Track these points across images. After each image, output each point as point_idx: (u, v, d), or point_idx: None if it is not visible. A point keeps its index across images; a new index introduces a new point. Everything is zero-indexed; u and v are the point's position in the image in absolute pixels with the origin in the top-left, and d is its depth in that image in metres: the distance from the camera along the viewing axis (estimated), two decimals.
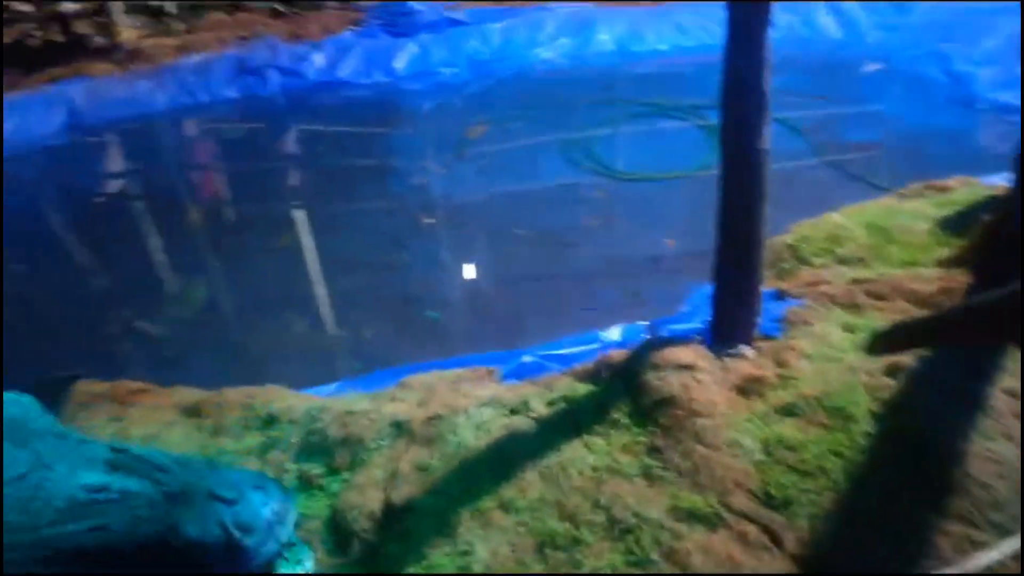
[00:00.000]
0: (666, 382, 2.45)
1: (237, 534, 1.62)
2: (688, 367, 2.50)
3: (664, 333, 2.97)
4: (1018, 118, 5.24)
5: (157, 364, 3.73)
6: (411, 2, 7.96)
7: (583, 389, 2.64)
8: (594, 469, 2.30)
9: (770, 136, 2.52)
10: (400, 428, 2.51)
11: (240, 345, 3.91)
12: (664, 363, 2.53)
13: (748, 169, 2.56)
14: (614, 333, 3.12)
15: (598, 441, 2.40)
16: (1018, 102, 5.42)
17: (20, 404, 1.90)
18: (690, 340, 2.75)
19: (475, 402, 2.56)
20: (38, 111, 6.87)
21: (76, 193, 5.97)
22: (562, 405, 2.57)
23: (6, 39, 8.00)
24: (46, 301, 4.43)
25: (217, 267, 4.74)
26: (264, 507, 1.67)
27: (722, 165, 2.59)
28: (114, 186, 6.13)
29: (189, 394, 2.97)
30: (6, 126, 6.59)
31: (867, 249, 3.30)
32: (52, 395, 2.77)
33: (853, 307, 2.91)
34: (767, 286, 3.18)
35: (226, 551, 1.61)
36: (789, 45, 7.36)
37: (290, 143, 6.58)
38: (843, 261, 3.29)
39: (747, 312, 2.72)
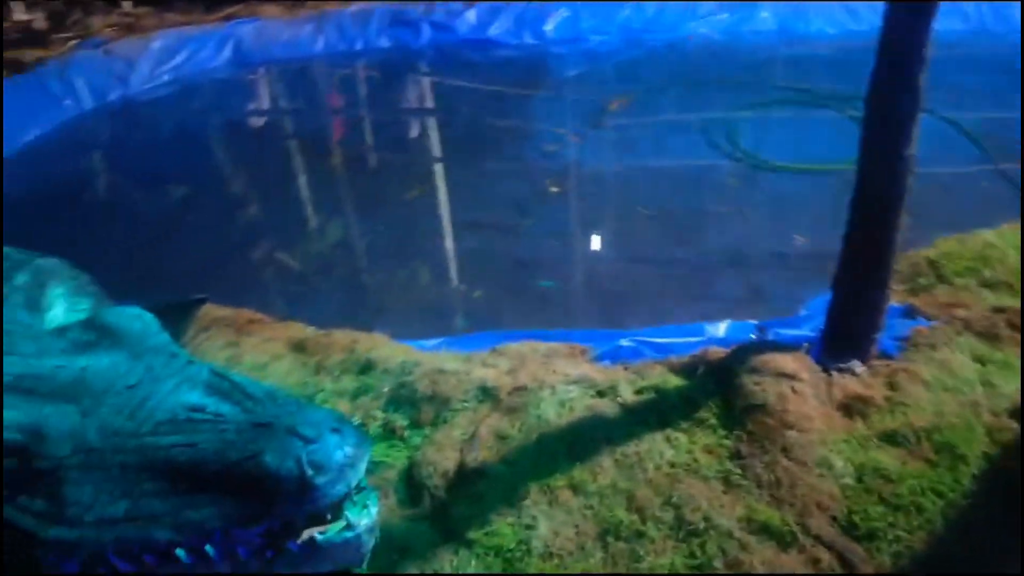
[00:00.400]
0: (762, 388, 2.35)
1: (309, 471, 1.68)
2: (789, 376, 2.38)
3: (772, 336, 2.85)
4: None
5: (279, 297, 3.93)
6: None
7: (675, 382, 2.57)
8: (672, 465, 2.25)
9: (918, 140, 2.33)
10: (486, 393, 2.54)
11: (357, 289, 4.07)
12: (764, 368, 2.42)
13: (889, 174, 2.37)
14: (720, 328, 3.01)
15: (681, 437, 2.34)
16: None
17: (142, 320, 2.05)
18: (798, 348, 2.61)
19: (563, 379, 2.55)
20: (209, 46, 7.31)
21: (230, 124, 6.36)
22: (651, 395, 2.52)
23: None
24: (191, 224, 4.76)
25: (349, 210, 4.93)
26: (339, 450, 1.71)
27: (860, 166, 2.42)
28: (265, 121, 6.48)
29: (300, 330, 3.12)
30: (178, 57, 7.07)
31: (1017, 275, 3.01)
32: (179, 315, 2.98)
33: (989, 337, 2.67)
34: (897, 301, 2.98)
35: (298, 486, 1.68)
36: (977, 40, 6.77)
37: (432, 96, 6.70)
38: (988, 285, 3.02)
39: (866, 327, 2.56)
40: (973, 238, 3.31)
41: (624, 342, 2.86)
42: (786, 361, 2.45)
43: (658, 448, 2.29)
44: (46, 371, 1.81)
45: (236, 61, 7.28)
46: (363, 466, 1.79)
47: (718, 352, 2.63)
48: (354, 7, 7.80)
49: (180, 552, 1.87)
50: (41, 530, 1.70)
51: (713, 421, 2.37)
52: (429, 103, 6.62)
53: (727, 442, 2.30)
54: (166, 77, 6.98)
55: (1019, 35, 6.79)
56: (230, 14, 7.96)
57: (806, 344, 2.69)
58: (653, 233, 4.34)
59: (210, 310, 3.19)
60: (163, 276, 4.05)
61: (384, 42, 7.45)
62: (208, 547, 1.88)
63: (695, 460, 2.25)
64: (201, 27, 7.65)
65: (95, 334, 1.94)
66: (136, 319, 2.03)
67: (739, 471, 2.20)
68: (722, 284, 3.86)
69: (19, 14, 7.51)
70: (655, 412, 2.44)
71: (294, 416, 1.73)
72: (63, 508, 1.69)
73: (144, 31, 7.49)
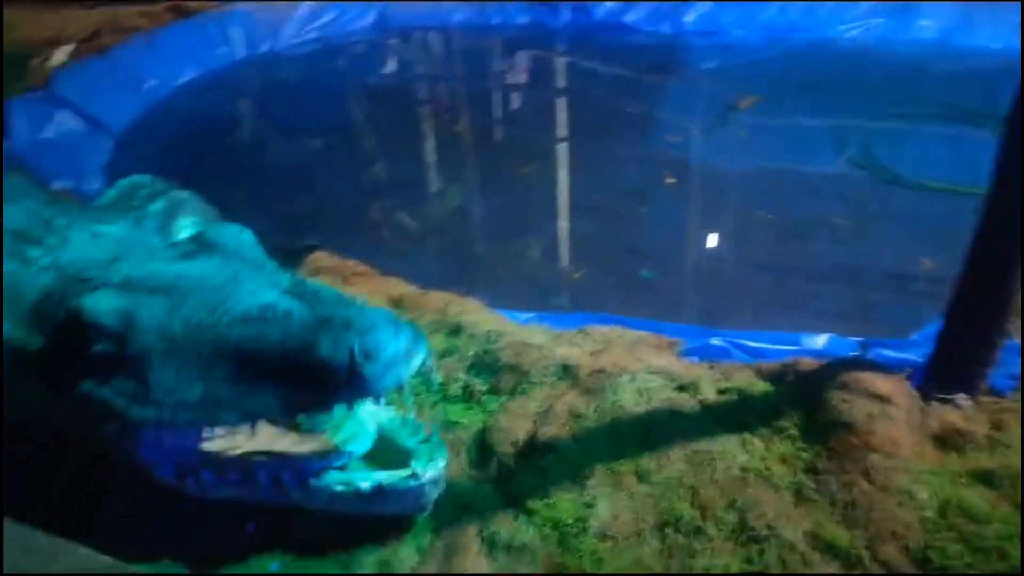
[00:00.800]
0: (850, 406, 2.26)
1: (360, 360, 1.75)
2: (881, 398, 2.28)
3: (873, 356, 2.72)
4: None
5: (389, 253, 4.06)
6: None
7: (761, 387, 2.51)
8: (743, 469, 2.20)
9: None
10: (566, 371, 2.56)
11: (462, 255, 4.17)
12: (855, 385, 2.33)
13: (1020, 202, 2.22)
14: (819, 341, 2.90)
15: (757, 443, 2.29)
16: None
17: (237, 235, 2.22)
18: (899, 371, 2.49)
19: (645, 367, 2.54)
20: (355, 9, 7.59)
21: (362, 84, 6.59)
22: (733, 396, 2.47)
23: None
24: (316, 174, 5.00)
25: (466, 178, 5.03)
26: (390, 343, 1.78)
27: (991, 189, 2.28)
28: (395, 84, 6.68)
29: (401, 286, 3.23)
30: (326, 17, 7.37)
31: None
32: (290, 257, 3.16)
33: None
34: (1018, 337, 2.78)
35: (347, 375, 1.76)
36: None
37: (562, 76, 6.71)
38: None
39: (976, 359, 2.40)
40: None
41: (715, 341, 2.81)
42: (881, 383, 2.34)
43: (731, 450, 2.25)
44: (147, 273, 1.98)
45: (378, 25, 7.53)
46: (415, 364, 1.83)
47: (811, 363, 2.55)
48: None
49: (260, 474, 2.02)
50: (129, 410, 1.87)
51: (794, 432, 2.30)
52: (558, 82, 6.64)
53: (805, 455, 2.23)
54: (312, 35, 7.30)
55: None
56: None
57: (909, 369, 2.56)
58: (768, 237, 4.21)
59: (320, 257, 3.35)
60: (285, 218, 4.28)
61: (522, 19, 7.52)
62: (284, 473, 2.01)
63: (768, 468, 2.20)
64: None
65: (197, 246, 2.11)
66: (233, 235, 2.19)
67: (813, 485, 2.13)
68: (832, 297, 3.71)
69: None
70: (735, 414, 2.39)
71: (352, 313, 1.81)
72: (148, 391, 1.87)
73: None
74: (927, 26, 6.95)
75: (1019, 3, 6.47)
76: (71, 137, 4.86)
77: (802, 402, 2.40)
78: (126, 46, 6.10)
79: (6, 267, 2.22)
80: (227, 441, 2.04)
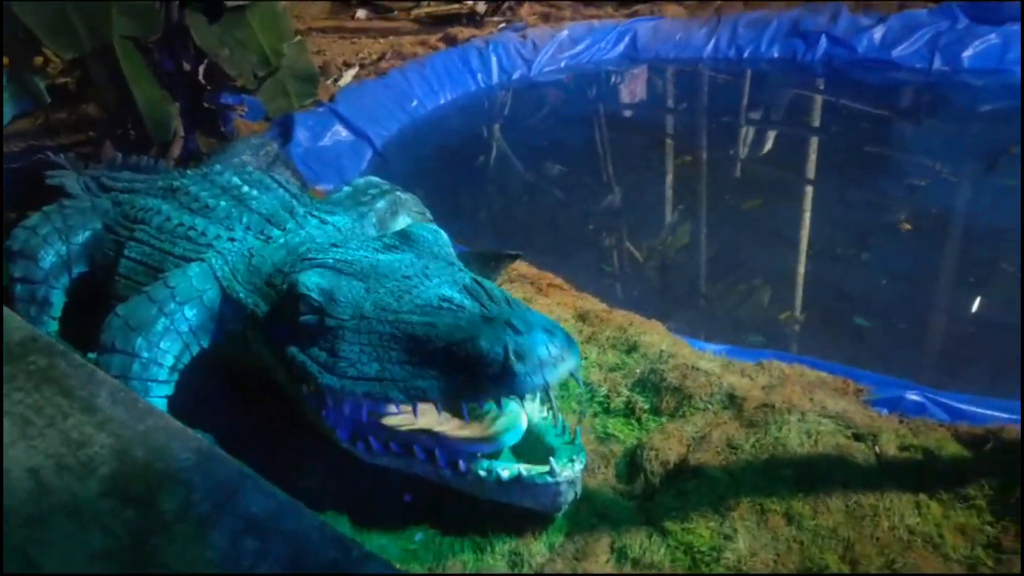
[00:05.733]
0: None
1: (512, 357, 1.87)
2: None
3: None
4: None
5: (591, 272, 4.15)
6: None
7: (953, 449, 2.26)
8: (911, 531, 2.01)
9: None
10: (732, 400, 2.49)
11: (667, 279, 4.16)
12: None
13: None
14: None
15: (934, 507, 2.08)
16: None
17: (434, 234, 2.46)
18: None
19: (819, 409, 2.40)
20: (608, 39, 7.81)
21: (606, 111, 6.79)
22: (916, 454, 2.26)
23: None
24: (542, 193, 5.25)
25: (690, 207, 4.99)
26: (543, 346, 1.89)
27: None
28: (637, 113, 6.80)
29: (591, 303, 3.31)
30: (579, 46, 7.70)
31: None
32: (494, 262, 3.38)
33: None
34: None
35: (500, 370, 1.89)
36: None
37: (811, 113, 6.42)
38: None
39: None
40: None
41: (911, 395, 2.57)
42: None
43: (902, 510, 2.07)
44: (353, 259, 2.27)
45: (628, 55, 7.70)
46: (563, 369, 1.92)
47: (1017, 432, 2.25)
48: (753, 15, 7.74)
49: (417, 449, 2.21)
50: (321, 376, 2.15)
51: (981, 502, 2.06)
52: (803, 119, 6.36)
53: (990, 529, 1.99)
54: (564, 63, 7.65)
55: None
56: (635, 11, 8.46)
57: None
58: (1011, 296, 3.72)
59: (521, 267, 3.54)
60: (501, 228, 4.56)
61: (774, 51, 7.28)
62: (438, 451, 2.19)
63: (941, 536, 1.99)
64: (606, 22, 8.24)
65: (400, 240, 2.39)
66: (430, 233, 2.44)
67: (990, 564, 1.89)
68: None
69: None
70: (914, 472, 2.19)
71: (514, 314, 1.94)
72: (337, 361, 2.13)
73: (559, 21, 8.29)
74: None
75: None
76: (340, 146, 5.55)
77: (999, 472, 2.13)
78: (400, 70, 6.84)
79: (253, 243, 2.66)
80: (397, 418, 2.26)
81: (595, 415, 2.57)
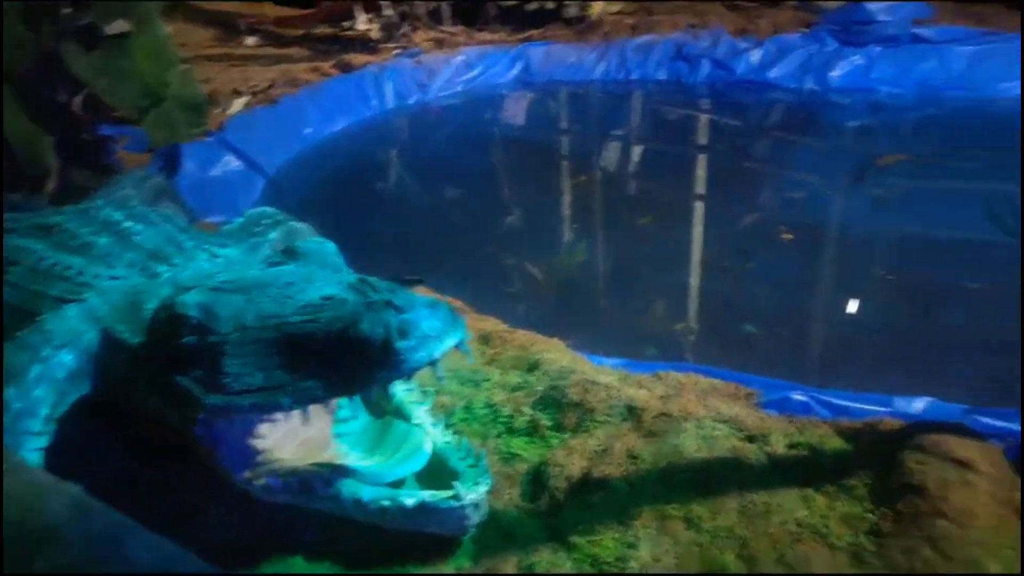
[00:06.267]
0: (925, 469, 2.12)
1: (394, 335, 1.85)
2: (962, 463, 2.11)
3: (972, 424, 2.52)
4: None
5: (491, 293, 4.18)
6: (876, 10, 7.39)
7: (835, 444, 2.39)
8: (799, 524, 2.11)
9: None
10: (631, 412, 2.55)
11: (564, 300, 4.24)
12: (934, 449, 2.17)
13: None
14: (916, 405, 2.72)
15: (820, 500, 2.18)
16: None
17: (323, 245, 2.42)
18: (994, 440, 2.30)
19: (713, 415, 2.49)
20: (502, 64, 7.97)
21: (500, 134, 6.90)
22: (803, 452, 2.37)
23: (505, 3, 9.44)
24: (440, 217, 5.27)
25: (583, 226, 5.12)
26: (425, 321, 1.86)
27: None
28: (530, 135, 6.94)
29: (492, 324, 3.34)
30: (473, 71, 7.81)
31: None
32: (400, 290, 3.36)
33: None
34: None
35: (383, 349, 1.85)
36: None
37: (693, 131, 6.71)
38: None
39: None
40: None
41: (797, 395, 2.71)
42: (966, 448, 2.17)
43: (791, 505, 2.16)
44: (234, 276, 2.23)
45: (522, 79, 7.86)
46: (448, 343, 1.90)
47: (893, 424, 2.40)
48: (640, 39, 8.05)
49: (316, 482, 2.15)
50: (203, 396, 2.06)
51: (862, 492, 2.18)
52: (688, 138, 6.64)
53: (870, 516, 2.10)
54: (459, 88, 7.73)
55: None
56: (528, 36, 8.64)
57: (1011, 439, 2.36)
58: (886, 299, 3.99)
59: (422, 292, 3.53)
60: (402, 254, 4.54)
61: (661, 74, 7.60)
62: (338, 484, 2.14)
63: (827, 527, 2.09)
64: (500, 47, 8.38)
65: (285, 257, 2.34)
66: (315, 244, 2.40)
67: (873, 549, 2.01)
68: (949, 365, 3.45)
69: (361, 24, 8.71)
70: (801, 469, 2.30)
71: (395, 297, 1.92)
72: (220, 378, 2.05)
73: (454, 47, 8.37)
74: None
75: None
76: (230, 176, 5.40)
77: (876, 463, 2.27)
78: (293, 98, 6.73)
79: (136, 281, 2.56)
80: (284, 435, 2.20)
81: (499, 435, 2.58)
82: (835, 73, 7.09)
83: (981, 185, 5.17)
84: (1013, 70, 6.59)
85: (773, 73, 7.24)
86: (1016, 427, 2.48)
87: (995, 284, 4.01)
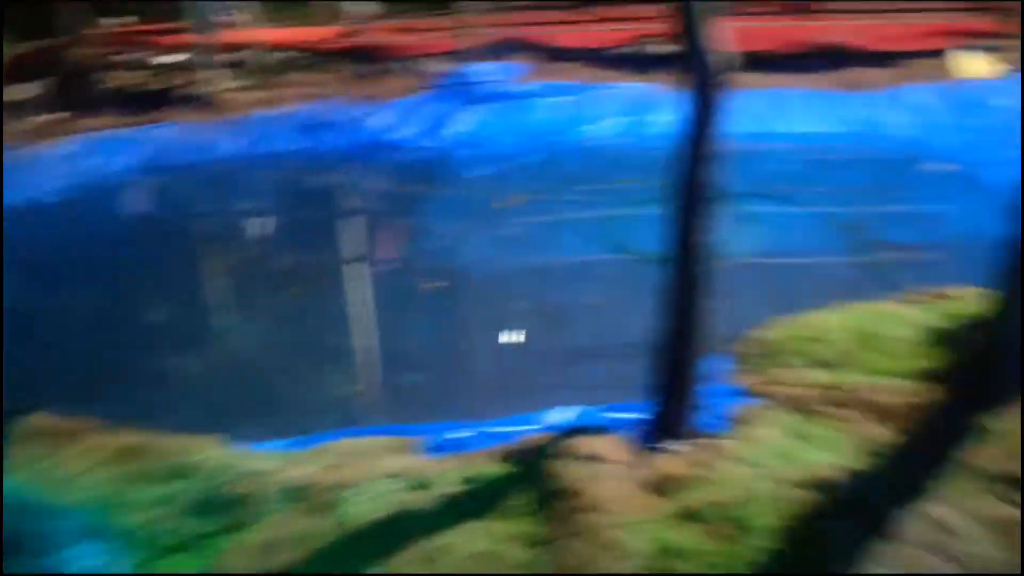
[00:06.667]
0: (567, 472, 2.34)
1: None
2: (595, 458, 2.38)
3: (609, 420, 2.84)
4: None
5: (130, 401, 3.74)
6: (480, 71, 8.19)
7: (496, 470, 2.55)
8: (476, 556, 2.20)
9: (715, 229, 2.45)
10: (297, 493, 2.47)
11: (220, 391, 3.98)
12: (574, 451, 2.42)
13: (689, 262, 2.49)
14: (564, 415, 2.99)
15: (493, 526, 2.30)
16: None
17: None
18: (620, 430, 2.62)
19: (379, 473, 2.51)
20: (124, 150, 7.40)
21: (124, 225, 6.38)
22: (473, 485, 2.49)
23: (114, 84, 8.80)
24: (63, 327, 4.66)
25: (230, 311, 4.89)
26: None
27: (666, 257, 2.53)
28: (153, 222, 6.55)
29: (134, 437, 2.97)
30: (88, 162, 7.13)
31: (844, 354, 3.10)
32: (8, 419, 2.90)
33: (810, 413, 2.72)
34: (733, 382, 3.04)
35: None
36: (861, 141, 7.21)
37: (326, 197, 6.85)
38: (817, 364, 3.09)
39: (681, 407, 2.59)
40: (806, 320, 3.41)
41: (454, 434, 2.84)
42: (597, 444, 2.46)
43: (464, 539, 2.25)
44: None
45: (148, 164, 7.38)
46: None
47: (538, 439, 2.63)
48: (268, 113, 8.00)
49: None
50: None
51: (523, 508, 2.34)
52: (323, 203, 6.76)
53: (534, 528, 2.27)
54: (78, 180, 7.01)
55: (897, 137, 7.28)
56: (151, 118, 8.10)
57: (634, 426, 2.70)
58: (526, 324, 4.37)
59: (40, 418, 3.08)
60: (16, 377, 3.90)
61: (293, 145, 7.65)
62: None
63: (499, 549, 2.21)
64: (118, 131, 7.76)
65: None
66: None
67: (546, 558, 2.16)
68: (586, 372, 3.89)
69: None
70: (472, 502, 2.41)
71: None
72: None
73: (66, 134, 7.59)
74: (668, 120, 7.73)
75: None
76: None
77: (534, 477, 2.45)
78: None
79: None
80: None
81: (144, 561, 2.31)
82: (453, 130, 7.71)
83: (584, 214, 5.93)
84: (598, 113, 7.72)
85: (399, 134, 7.67)
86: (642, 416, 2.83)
87: (610, 298, 4.60)
